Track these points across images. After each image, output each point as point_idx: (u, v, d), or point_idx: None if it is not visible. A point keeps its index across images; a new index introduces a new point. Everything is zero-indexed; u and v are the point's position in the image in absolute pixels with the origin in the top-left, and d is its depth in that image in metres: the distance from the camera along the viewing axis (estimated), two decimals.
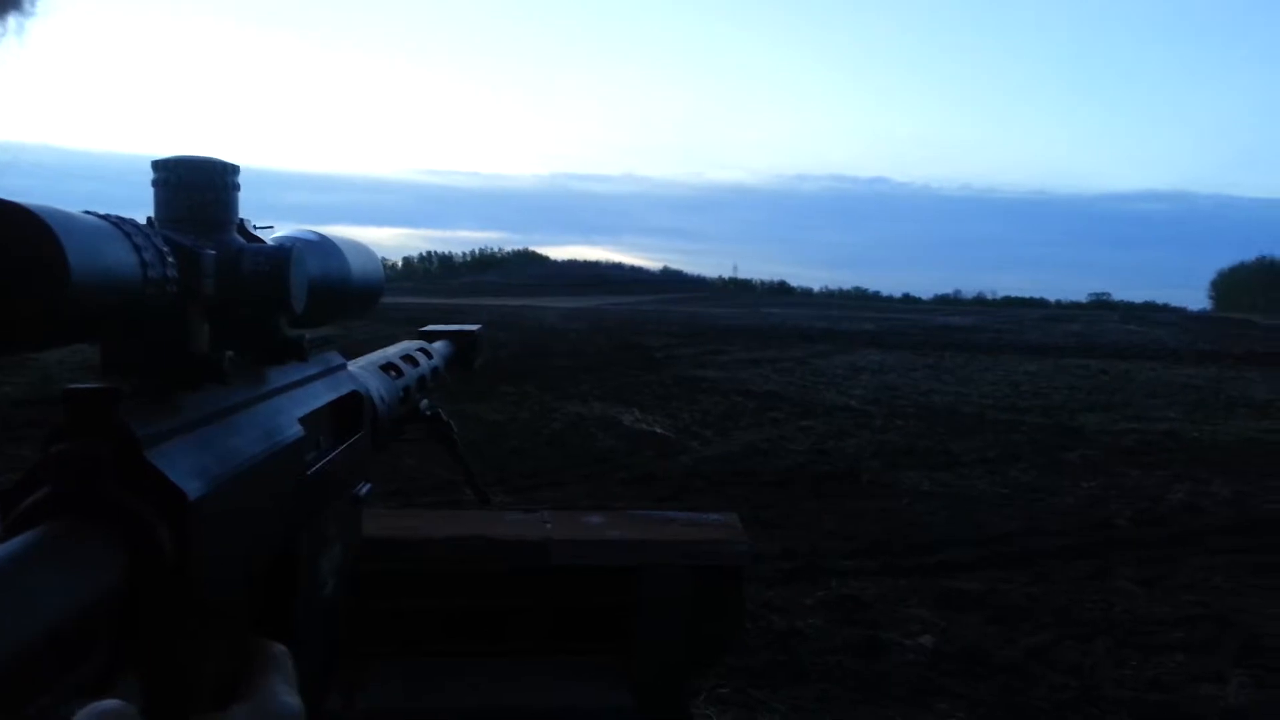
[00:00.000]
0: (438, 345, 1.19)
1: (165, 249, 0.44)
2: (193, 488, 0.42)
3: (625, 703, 1.00)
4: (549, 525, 1.06)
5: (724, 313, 34.08)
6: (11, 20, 0.33)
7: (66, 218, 0.37)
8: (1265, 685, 3.74)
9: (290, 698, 0.48)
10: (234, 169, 0.54)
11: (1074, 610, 4.47)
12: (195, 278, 0.47)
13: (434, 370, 1.10)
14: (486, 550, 1.01)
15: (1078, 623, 4.32)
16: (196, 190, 0.52)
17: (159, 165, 0.52)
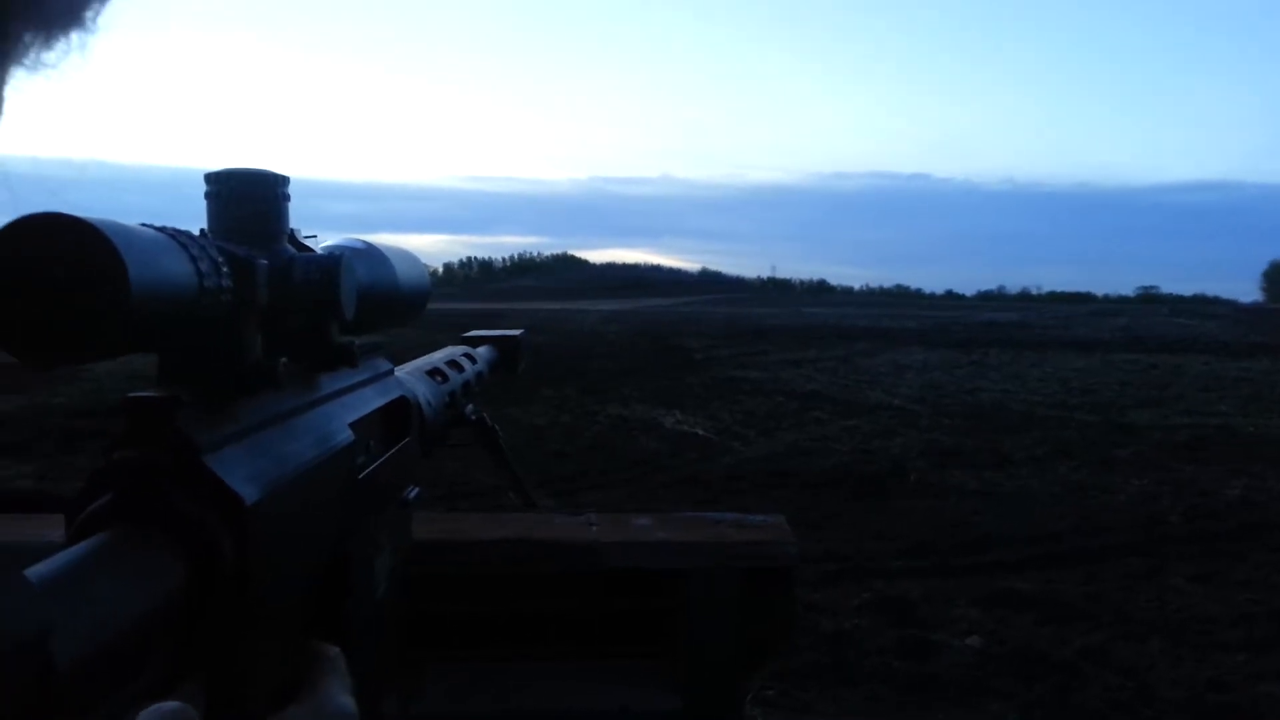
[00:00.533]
0: (481, 350, 1.20)
1: (220, 259, 0.45)
2: (250, 493, 0.43)
3: (674, 706, 1.00)
4: (595, 528, 1.06)
5: (764, 313, 33.99)
6: (75, 37, 0.34)
7: (126, 231, 0.38)
8: None
9: (345, 699, 0.49)
10: (284, 180, 0.55)
11: (1128, 609, 4.40)
12: (249, 287, 0.48)
13: (478, 375, 1.11)
14: (534, 553, 1.01)
15: (1132, 622, 4.25)
16: (248, 202, 0.53)
17: (211, 178, 0.53)
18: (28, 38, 0.32)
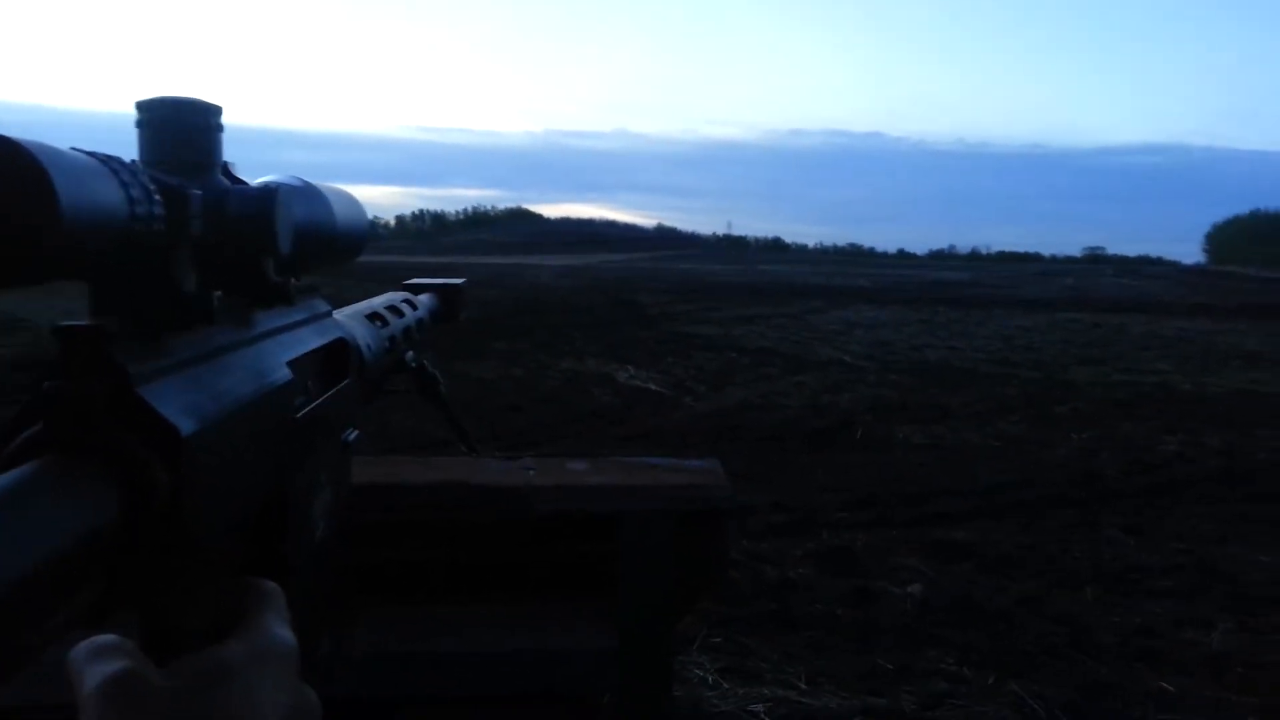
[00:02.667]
0: (422, 298, 1.20)
1: (152, 187, 0.44)
2: (185, 425, 0.43)
3: (609, 645, 1.03)
4: (531, 472, 1.07)
5: (718, 270, 34.01)
6: None
7: (55, 153, 0.37)
8: (1249, 630, 3.79)
9: (284, 632, 0.49)
10: (217, 110, 0.54)
11: (1063, 559, 4.53)
12: (182, 217, 0.47)
13: (419, 321, 1.11)
14: (467, 497, 1.02)
15: (1067, 571, 4.37)
16: (180, 130, 0.52)
17: (142, 106, 0.52)
18: None
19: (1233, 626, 3.81)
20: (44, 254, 0.37)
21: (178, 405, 0.43)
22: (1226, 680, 3.41)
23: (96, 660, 0.40)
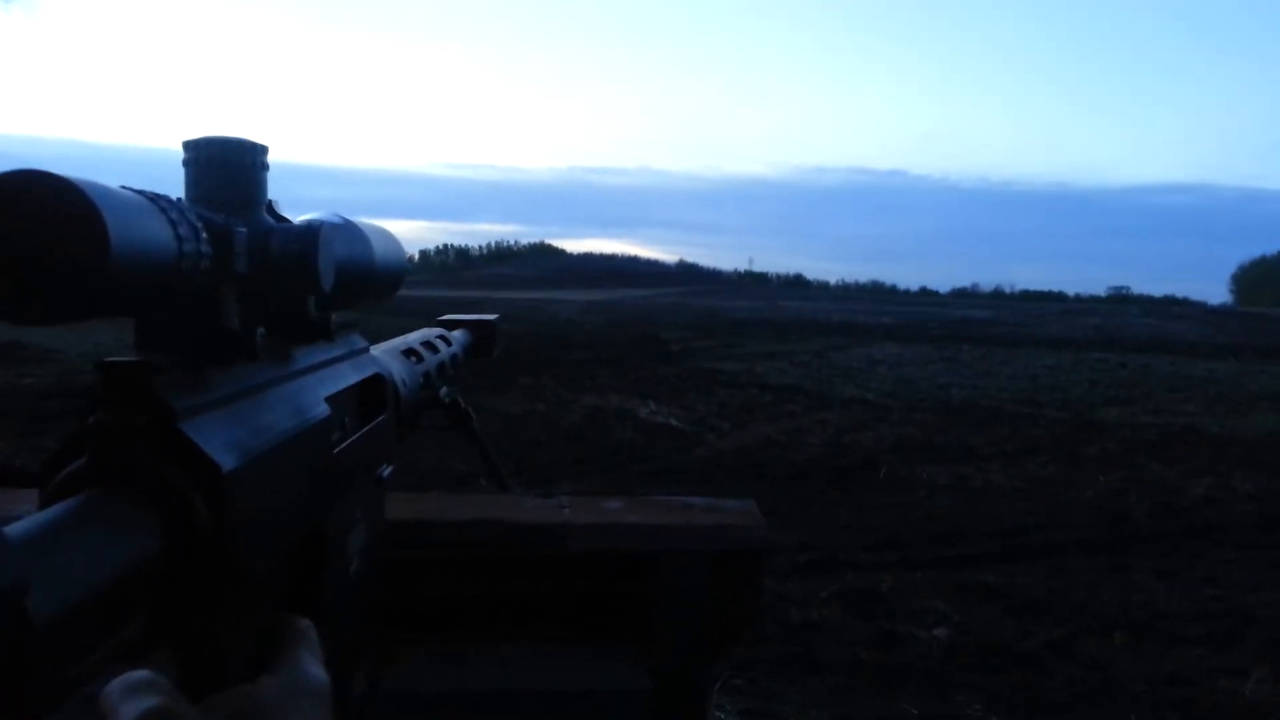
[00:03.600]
0: (456, 334, 1.20)
1: (199, 225, 0.45)
2: (226, 460, 0.43)
3: (643, 687, 1.01)
4: (567, 510, 1.06)
5: (740, 305, 34.04)
6: None
7: (107, 191, 0.38)
8: None
9: (318, 669, 0.49)
10: (263, 149, 0.55)
11: (1092, 604, 4.46)
12: (228, 255, 0.48)
13: (453, 357, 1.11)
14: (506, 535, 1.01)
15: (1096, 616, 4.30)
16: (226, 170, 0.53)
17: (189, 145, 0.52)
18: None
19: (1268, 675, 3.74)
20: (95, 291, 0.37)
21: (219, 441, 0.44)
22: None
23: (131, 697, 0.40)
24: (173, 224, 0.42)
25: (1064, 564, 5.01)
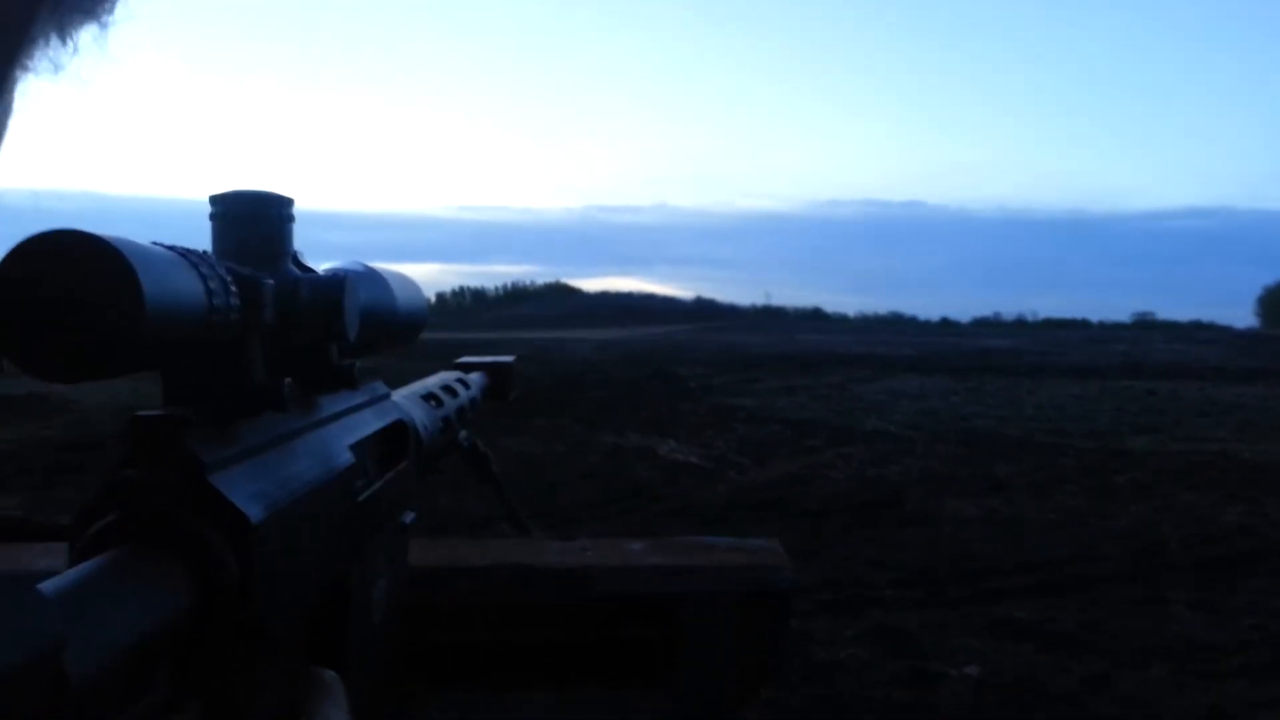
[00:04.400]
0: (474, 376, 1.20)
1: (228, 279, 0.45)
2: (254, 512, 0.43)
3: None
4: (589, 553, 1.05)
5: (758, 340, 34.01)
6: (88, 33, 0.33)
7: (140, 249, 0.39)
8: None
9: None
10: (289, 202, 0.56)
11: (1128, 637, 4.38)
12: (256, 307, 0.48)
13: (472, 401, 1.11)
14: (528, 579, 1.00)
15: (1133, 650, 4.22)
16: (253, 223, 0.54)
17: (217, 200, 0.54)
18: (44, 37, 0.31)
19: None
20: (130, 349, 0.38)
21: (247, 493, 0.44)
22: None
23: None
24: (203, 278, 0.43)
25: (1097, 597, 4.93)
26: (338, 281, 0.55)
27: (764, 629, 1.02)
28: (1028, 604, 4.80)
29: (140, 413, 0.43)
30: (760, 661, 1.03)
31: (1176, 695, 3.79)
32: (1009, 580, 5.18)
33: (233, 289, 0.46)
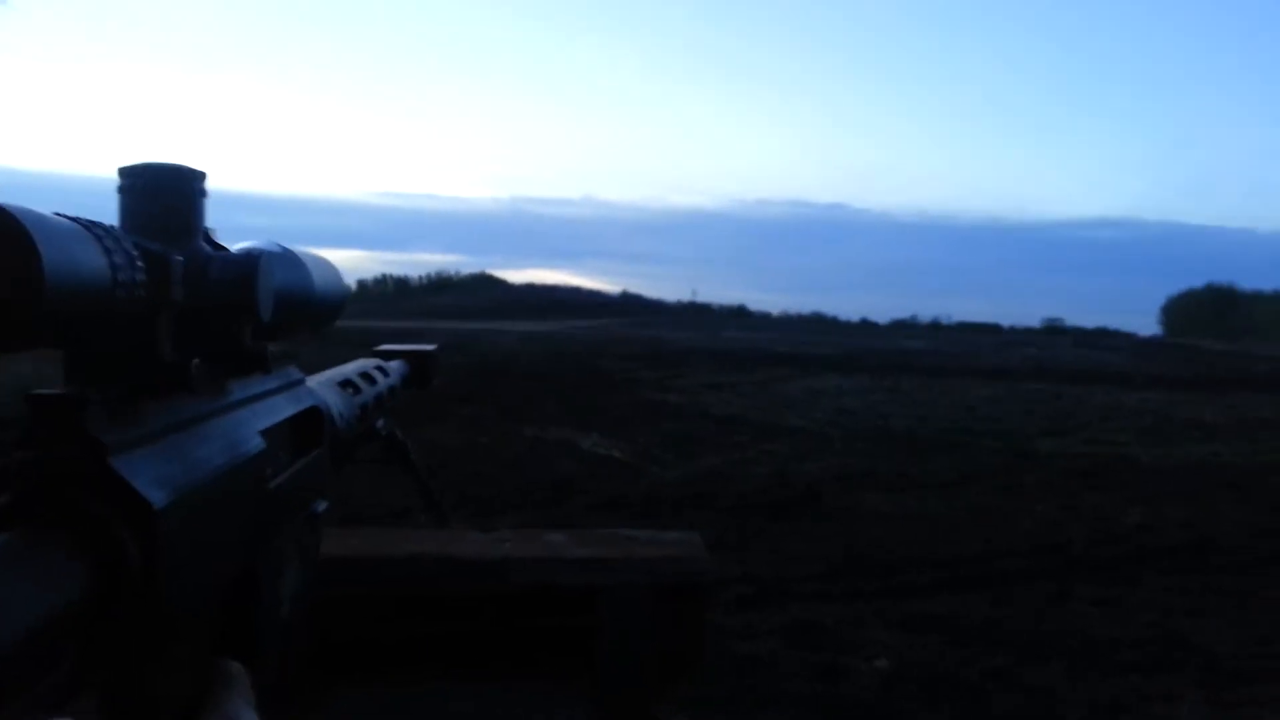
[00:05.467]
0: (394, 364, 1.18)
1: (135, 254, 0.44)
2: (158, 497, 0.42)
3: None
4: (508, 544, 1.04)
5: (684, 336, 34.15)
6: None
7: (41, 219, 0.37)
8: (1216, 704, 3.78)
9: (249, 714, 0.48)
10: (201, 176, 0.54)
11: (1032, 631, 4.51)
12: (164, 284, 0.46)
13: (391, 389, 1.09)
14: (446, 570, 0.99)
15: (1036, 644, 4.35)
16: (163, 196, 0.52)
17: (125, 172, 0.51)
18: None
19: (1200, 700, 3.80)
20: (28, 322, 0.36)
21: (151, 477, 0.42)
22: None
23: None
24: (108, 252, 0.41)
25: (1004, 593, 5.07)
26: (251, 260, 0.53)
27: (683, 621, 1.03)
28: (938, 599, 4.92)
29: (37, 391, 0.41)
30: (679, 653, 1.03)
31: (1076, 688, 3.91)
32: (921, 575, 5.30)
33: (139, 264, 0.44)
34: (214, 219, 0.57)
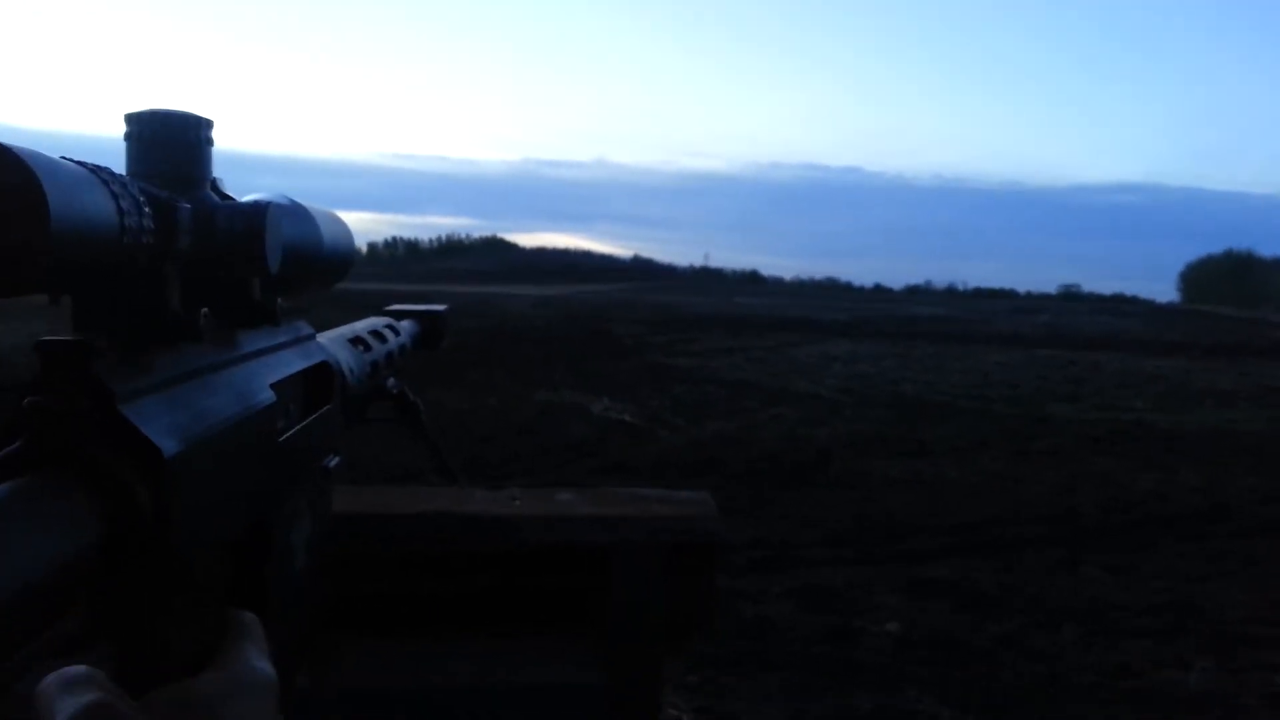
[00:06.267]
0: (404, 324, 1.18)
1: (142, 200, 0.43)
2: (168, 445, 0.42)
3: (596, 681, 0.99)
4: (518, 503, 1.04)
5: (695, 301, 34.12)
6: None
7: (48, 161, 0.36)
8: (1228, 670, 3.79)
9: (264, 664, 0.48)
10: (208, 124, 0.53)
11: (1043, 597, 4.51)
12: (171, 232, 0.46)
13: (401, 348, 1.09)
14: (456, 528, 0.99)
15: (1046, 610, 4.36)
16: (170, 145, 0.51)
17: (131, 119, 0.51)
18: None
19: (1211, 666, 3.80)
20: (34, 265, 0.36)
21: (161, 425, 0.42)
22: None
23: (68, 693, 0.39)
24: (115, 197, 0.40)
25: (1015, 559, 5.07)
26: (259, 210, 0.52)
27: (693, 579, 1.03)
28: (948, 564, 4.92)
29: (46, 338, 0.41)
30: (689, 611, 1.03)
31: (1086, 653, 3.92)
32: (931, 541, 5.31)
33: (147, 210, 0.43)
34: (225, 178, 0.56)
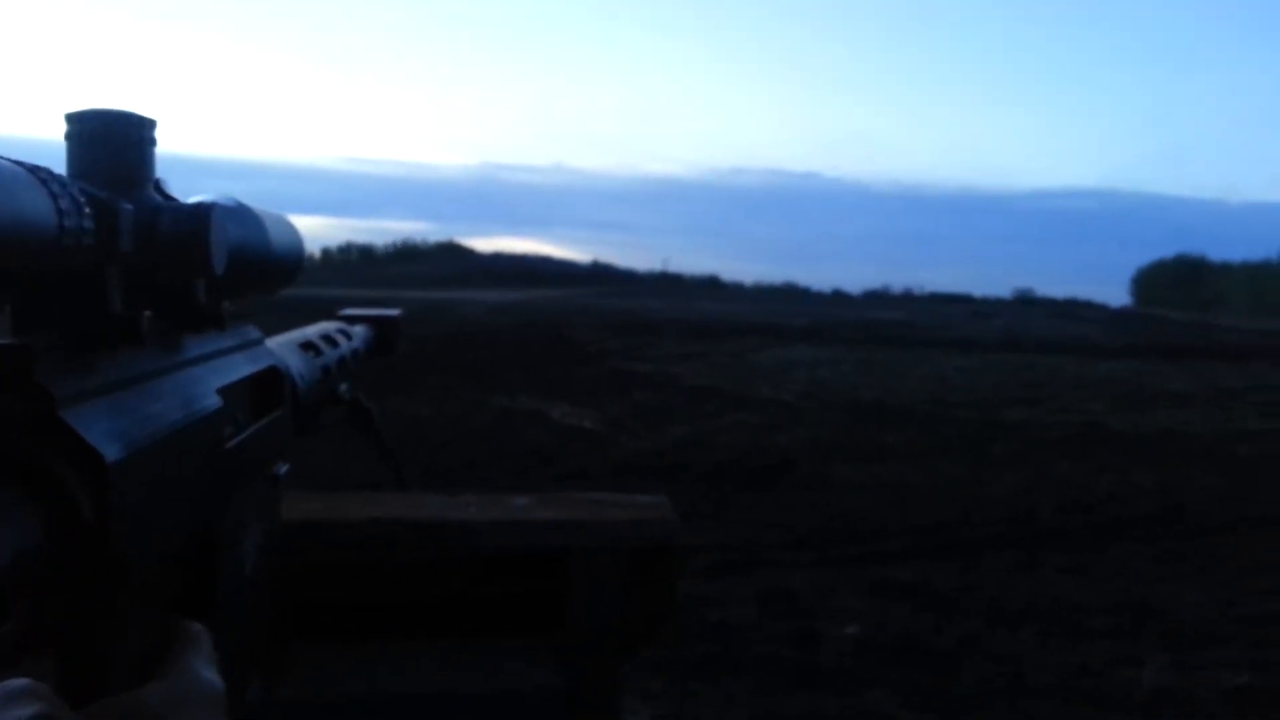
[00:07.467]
0: (357, 329, 1.16)
1: (82, 200, 0.42)
2: (110, 451, 0.41)
3: (554, 686, 0.98)
4: (473, 508, 1.03)
5: (655, 306, 34.12)
6: None
7: None
8: (1184, 668, 3.84)
9: (210, 674, 0.47)
10: (150, 123, 0.52)
11: (1002, 598, 4.56)
12: (112, 233, 0.45)
13: (354, 352, 1.07)
14: (409, 534, 0.97)
15: (1006, 611, 4.40)
16: (112, 144, 0.50)
17: (72, 118, 0.49)
18: None
19: (1167, 664, 3.86)
20: None
21: (103, 430, 0.41)
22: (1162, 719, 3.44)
23: (8, 706, 0.37)
24: (53, 196, 0.39)
25: (975, 560, 5.12)
26: (203, 211, 0.51)
27: (651, 583, 1.02)
28: (909, 566, 4.96)
29: None
30: (648, 615, 1.03)
31: (1045, 654, 3.96)
32: (892, 543, 5.34)
33: (87, 211, 0.42)
34: (175, 183, 0.55)
